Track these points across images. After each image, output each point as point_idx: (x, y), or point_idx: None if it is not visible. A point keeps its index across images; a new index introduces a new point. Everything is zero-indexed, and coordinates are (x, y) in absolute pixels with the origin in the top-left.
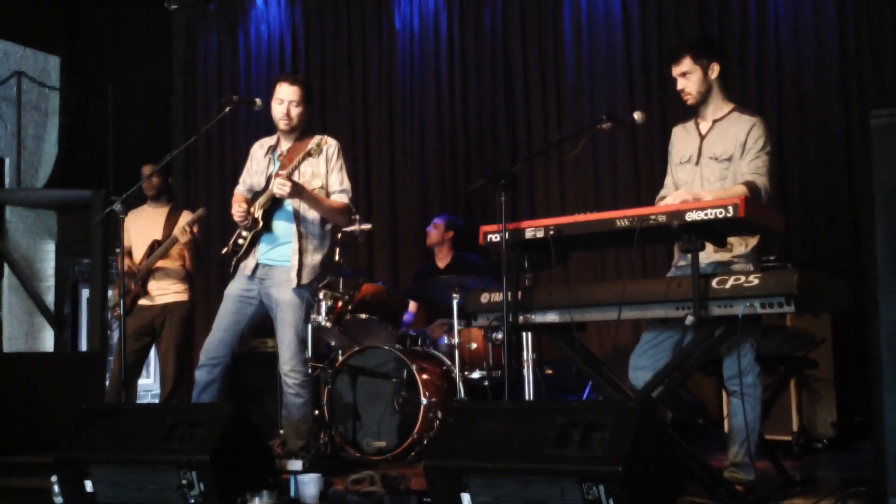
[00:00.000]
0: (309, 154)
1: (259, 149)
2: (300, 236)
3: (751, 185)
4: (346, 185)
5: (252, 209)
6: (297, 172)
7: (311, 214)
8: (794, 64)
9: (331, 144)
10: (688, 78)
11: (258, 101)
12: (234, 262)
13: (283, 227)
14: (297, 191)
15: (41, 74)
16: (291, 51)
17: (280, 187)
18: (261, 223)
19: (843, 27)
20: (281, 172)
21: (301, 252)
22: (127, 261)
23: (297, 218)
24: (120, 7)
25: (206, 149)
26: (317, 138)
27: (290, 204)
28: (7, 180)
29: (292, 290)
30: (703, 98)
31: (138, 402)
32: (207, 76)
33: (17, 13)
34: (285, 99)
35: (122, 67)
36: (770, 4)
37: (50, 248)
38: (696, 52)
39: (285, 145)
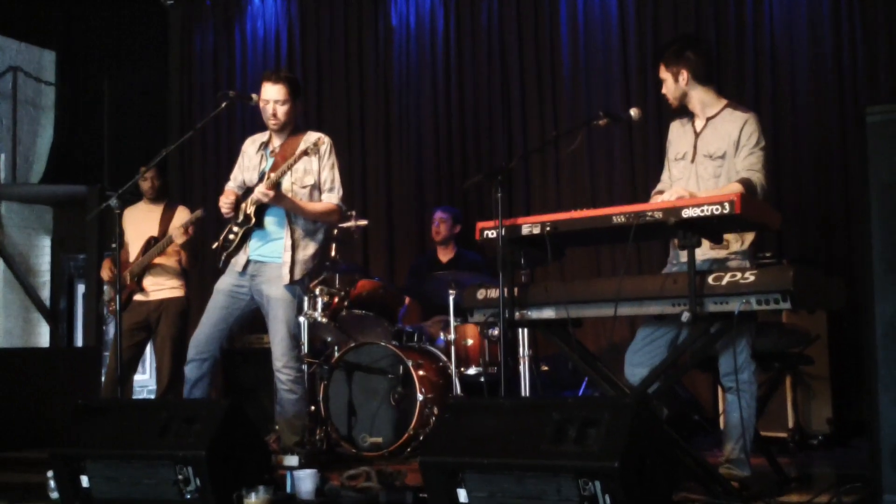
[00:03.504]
0: (305, 153)
1: (251, 145)
2: (292, 232)
3: (746, 182)
4: (337, 183)
5: (244, 205)
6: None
7: None
8: (789, 62)
9: (324, 141)
10: (664, 84)
11: (254, 96)
12: (223, 258)
13: (274, 224)
14: (278, 199)
15: (37, 69)
16: (287, 47)
17: (262, 196)
18: (253, 220)
19: (837, 25)
20: (271, 175)
21: (294, 248)
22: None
23: (289, 214)
24: (116, 2)
25: (202, 145)
26: (313, 136)
27: None
28: (2, 175)
29: (284, 287)
30: (681, 101)
31: (134, 397)
32: (203, 72)
33: (13, 8)
34: (270, 99)
35: (117, 63)
36: (766, 3)
37: (45, 244)
38: (666, 61)
39: (277, 142)
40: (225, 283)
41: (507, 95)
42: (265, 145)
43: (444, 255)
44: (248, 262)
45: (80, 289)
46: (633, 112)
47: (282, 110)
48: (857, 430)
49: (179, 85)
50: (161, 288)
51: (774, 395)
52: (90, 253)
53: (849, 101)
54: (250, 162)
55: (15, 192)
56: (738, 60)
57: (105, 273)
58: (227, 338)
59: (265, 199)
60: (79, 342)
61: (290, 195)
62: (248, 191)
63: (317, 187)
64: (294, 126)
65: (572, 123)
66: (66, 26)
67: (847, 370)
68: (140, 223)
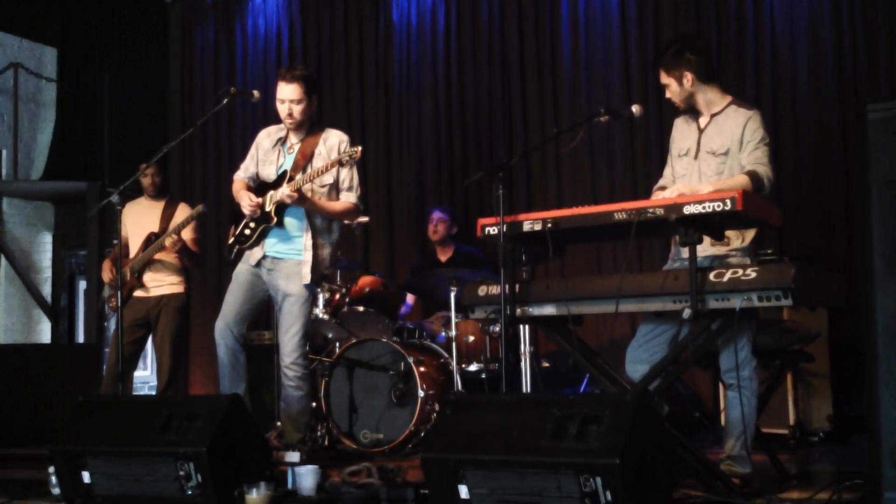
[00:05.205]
0: (340, 163)
1: (266, 137)
2: (312, 231)
3: (753, 175)
4: (356, 182)
5: (263, 201)
6: (308, 166)
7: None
8: (790, 61)
9: (343, 140)
10: (668, 89)
11: (255, 93)
12: (235, 250)
13: (294, 223)
14: (302, 201)
15: (37, 66)
16: (288, 44)
17: (287, 198)
18: (275, 219)
19: (838, 23)
20: (296, 177)
21: (314, 247)
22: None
23: (308, 213)
24: None
25: (203, 142)
26: (334, 136)
27: None
28: (3, 171)
29: (303, 285)
30: (688, 102)
31: (135, 393)
32: (204, 69)
33: (14, 4)
34: (285, 99)
35: (118, 59)
36: (766, 1)
37: (47, 240)
38: (666, 66)
39: (295, 138)
40: (245, 269)
41: (507, 92)
42: (282, 141)
43: (444, 255)
44: (263, 256)
45: (82, 285)
46: (635, 109)
47: (297, 109)
48: (858, 427)
49: (180, 82)
50: (161, 284)
51: (775, 392)
52: (91, 249)
53: (849, 100)
54: (266, 156)
55: (16, 189)
56: (738, 59)
57: (106, 275)
58: (249, 321)
59: (289, 202)
60: (80, 338)
61: (309, 194)
62: (262, 185)
63: (335, 186)
64: (311, 124)
65: (573, 120)
66: (66, 23)
67: (847, 368)
68: (141, 219)
